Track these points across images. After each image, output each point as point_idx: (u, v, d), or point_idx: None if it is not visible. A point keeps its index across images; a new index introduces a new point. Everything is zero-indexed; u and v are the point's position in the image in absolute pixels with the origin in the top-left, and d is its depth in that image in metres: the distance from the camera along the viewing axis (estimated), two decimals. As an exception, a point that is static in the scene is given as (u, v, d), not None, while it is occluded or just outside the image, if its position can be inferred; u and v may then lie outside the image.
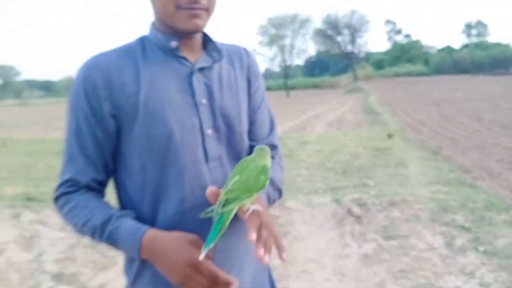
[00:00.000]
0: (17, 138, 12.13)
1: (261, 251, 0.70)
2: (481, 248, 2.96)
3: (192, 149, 0.84)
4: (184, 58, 0.86)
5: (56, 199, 0.87)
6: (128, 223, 0.80)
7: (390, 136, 8.15)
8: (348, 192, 4.33)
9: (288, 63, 50.10)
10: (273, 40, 50.57)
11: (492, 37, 74.93)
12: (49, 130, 14.44)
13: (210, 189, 0.78)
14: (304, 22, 52.83)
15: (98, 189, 0.87)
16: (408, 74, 61.51)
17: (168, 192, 0.84)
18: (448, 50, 79.21)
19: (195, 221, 0.81)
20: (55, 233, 3.50)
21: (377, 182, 4.73)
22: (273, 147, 0.97)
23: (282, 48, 49.90)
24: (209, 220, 0.75)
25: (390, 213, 3.64)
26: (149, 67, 0.84)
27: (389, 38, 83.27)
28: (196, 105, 0.85)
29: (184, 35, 0.86)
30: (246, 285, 0.89)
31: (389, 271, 2.70)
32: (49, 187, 4.06)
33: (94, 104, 0.82)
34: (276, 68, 57.80)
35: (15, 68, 75.01)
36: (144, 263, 0.83)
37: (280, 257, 0.75)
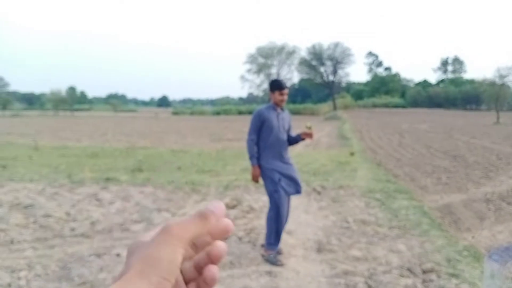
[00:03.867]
0: (44, 145, 14.33)
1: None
2: (383, 207, 5.53)
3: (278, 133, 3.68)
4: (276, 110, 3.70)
5: (248, 141, 3.75)
6: (255, 159, 3.68)
7: (352, 154, 10.90)
8: (315, 182, 6.91)
9: (273, 89, 52.79)
10: (261, 68, 53.89)
11: (469, 74, 79.36)
12: (57, 139, 16.74)
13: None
14: (291, 53, 56.32)
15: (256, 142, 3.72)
16: (386, 106, 65.01)
17: (270, 141, 3.66)
18: (425, 84, 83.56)
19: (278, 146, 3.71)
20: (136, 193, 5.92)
21: (334, 178, 7.36)
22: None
23: (268, 76, 53.02)
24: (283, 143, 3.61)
25: (338, 192, 6.24)
26: (269, 113, 3.68)
27: (370, 70, 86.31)
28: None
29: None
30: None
31: (331, 212, 5.24)
32: (105, 174, 6.87)
33: (257, 120, 3.68)
34: (260, 93, 60.73)
35: (4, 79, 75.54)
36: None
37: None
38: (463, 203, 6.19)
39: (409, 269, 3.50)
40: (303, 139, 3.93)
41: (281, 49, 56.48)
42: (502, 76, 40.78)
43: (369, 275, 3.40)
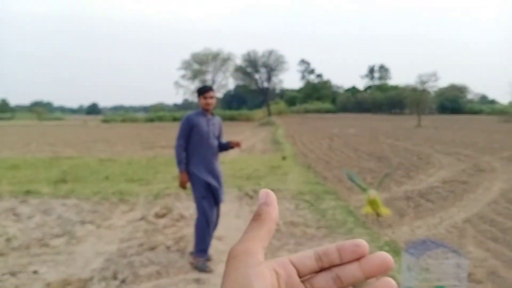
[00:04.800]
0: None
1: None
2: (311, 208, 5.68)
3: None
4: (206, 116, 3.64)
5: (176, 147, 3.68)
6: (183, 164, 3.61)
7: (284, 158, 11.14)
8: (248, 186, 6.96)
9: (208, 96, 52.57)
10: (196, 74, 53.46)
11: (393, 80, 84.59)
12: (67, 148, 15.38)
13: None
14: (226, 59, 56.46)
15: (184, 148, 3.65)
16: (317, 111, 67.27)
17: (200, 147, 3.58)
18: (353, 90, 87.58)
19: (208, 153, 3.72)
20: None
21: (266, 182, 7.46)
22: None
23: (203, 83, 52.72)
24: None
25: (269, 195, 6.32)
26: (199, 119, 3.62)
27: (303, 77, 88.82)
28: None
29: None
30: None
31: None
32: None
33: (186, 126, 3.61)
34: (196, 99, 60.03)
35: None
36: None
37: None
38: (386, 201, 6.54)
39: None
40: (232, 147, 3.94)
41: (216, 56, 56.46)
42: (422, 82, 44.07)
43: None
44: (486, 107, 67.27)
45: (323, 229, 4.77)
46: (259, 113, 52.48)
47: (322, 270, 0.42)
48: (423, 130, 25.73)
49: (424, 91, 44.12)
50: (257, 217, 0.42)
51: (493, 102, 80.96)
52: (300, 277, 0.42)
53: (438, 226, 5.24)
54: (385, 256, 0.39)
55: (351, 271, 0.40)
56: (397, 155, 12.35)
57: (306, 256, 0.42)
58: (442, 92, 67.12)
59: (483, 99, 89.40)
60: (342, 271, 0.41)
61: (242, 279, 0.37)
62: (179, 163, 3.76)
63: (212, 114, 3.89)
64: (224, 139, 4.07)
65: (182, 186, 3.80)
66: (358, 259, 0.41)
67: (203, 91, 3.80)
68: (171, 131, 30.02)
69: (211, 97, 3.80)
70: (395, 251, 4.04)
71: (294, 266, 0.41)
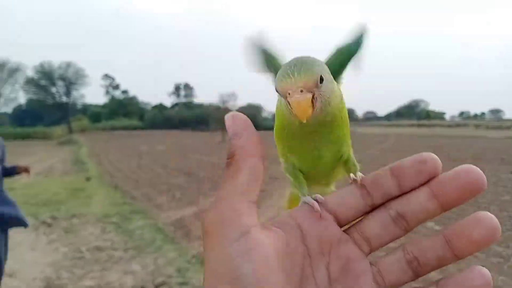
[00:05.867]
0: None
1: None
2: (119, 230, 5.50)
3: None
4: None
5: None
6: None
7: (88, 179, 10.43)
8: (45, 214, 6.28)
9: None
10: (-26, 86, 45.22)
11: (199, 98, 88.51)
12: None
13: None
14: (14, 70, 49.64)
15: None
16: (125, 128, 65.05)
17: None
18: (161, 107, 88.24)
19: None
20: None
21: (67, 207, 6.89)
22: None
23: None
24: None
25: (71, 221, 5.87)
26: None
27: (107, 92, 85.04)
28: None
29: None
30: None
31: (62, 244, 4.86)
32: None
33: None
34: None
35: None
36: None
37: None
38: (195, 215, 6.82)
39: (142, 287, 3.60)
40: (18, 173, 3.53)
41: (1, 66, 48.97)
42: (224, 101, 47.68)
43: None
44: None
45: (131, 250, 4.68)
46: (59, 130, 47.72)
47: (374, 208, 0.30)
48: (226, 145, 27.68)
49: (226, 109, 47.82)
50: (229, 160, 0.31)
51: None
52: (341, 225, 0.31)
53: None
54: (471, 170, 0.27)
55: (419, 203, 0.28)
56: (203, 170, 12.99)
57: (346, 194, 0.31)
58: (241, 110, 73.66)
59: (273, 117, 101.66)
60: (405, 205, 0.28)
61: (223, 263, 0.26)
62: None
63: None
64: (11, 162, 3.61)
65: None
66: (426, 182, 0.28)
67: None
68: None
69: None
70: (202, 263, 4.28)
71: (330, 212, 0.31)
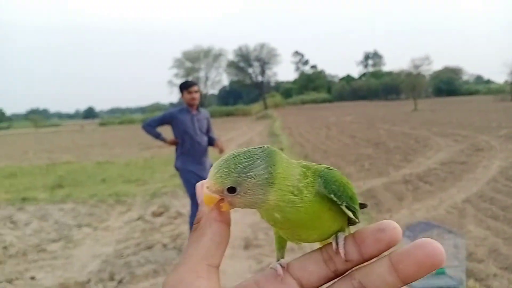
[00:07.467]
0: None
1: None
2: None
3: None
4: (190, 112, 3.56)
5: (145, 127, 3.76)
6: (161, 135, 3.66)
7: (281, 150, 11.03)
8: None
9: (203, 92, 52.70)
10: (189, 72, 53.29)
11: (387, 66, 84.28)
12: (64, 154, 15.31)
13: None
14: (217, 56, 56.29)
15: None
16: (313, 101, 67.21)
17: (187, 145, 3.62)
18: (348, 79, 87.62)
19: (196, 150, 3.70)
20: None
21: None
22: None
23: (197, 80, 52.61)
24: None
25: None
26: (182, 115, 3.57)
27: (297, 69, 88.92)
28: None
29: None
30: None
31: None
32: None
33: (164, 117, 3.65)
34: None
35: None
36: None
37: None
38: (384, 186, 6.51)
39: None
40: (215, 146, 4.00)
41: (207, 52, 56.21)
42: (416, 66, 44.05)
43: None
44: (482, 87, 67.22)
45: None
46: (256, 107, 52.40)
47: (337, 276, 0.30)
48: (419, 114, 25.67)
49: (418, 75, 44.11)
50: (195, 225, 0.31)
51: (488, 82, 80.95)
52: None
53: (438, 207, 5.21)
54: (430, 245, 0.26)
55: (380, 274, 0.27)
56: (394, 140, 12.30)
57: (310, 259, 0.31)
58: (437, 75, 67.12)
59: (479, 79, 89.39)
60: (367, 276, 0.28)
61: None
62: (157, 136, 3.84)
63: (198, 110, 3.84)
64: (217, 135, 4.03)
65: (173, 143, 3.86)
66: (387, 250, 0.28)
67: (186, 85, 3.74)
68: (168, 130, 29.57)
69: (196, 92, 3.74)
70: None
71: (294, 277, 0.30)
